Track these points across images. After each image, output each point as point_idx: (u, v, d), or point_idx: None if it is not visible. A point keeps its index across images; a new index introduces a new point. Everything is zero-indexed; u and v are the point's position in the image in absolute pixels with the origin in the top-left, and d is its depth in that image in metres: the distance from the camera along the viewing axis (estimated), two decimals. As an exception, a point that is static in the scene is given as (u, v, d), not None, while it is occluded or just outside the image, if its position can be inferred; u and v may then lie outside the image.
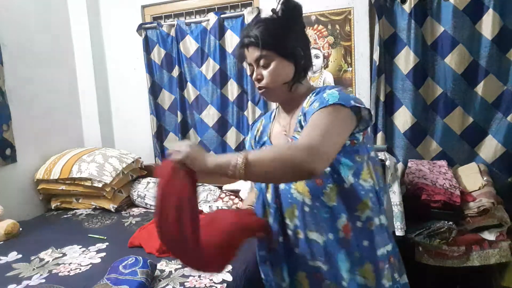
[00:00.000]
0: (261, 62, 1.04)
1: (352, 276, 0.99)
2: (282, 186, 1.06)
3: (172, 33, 2.88)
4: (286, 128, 1.09)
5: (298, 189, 1.01)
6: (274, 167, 0.85)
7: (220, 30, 2.76)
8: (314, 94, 1.02)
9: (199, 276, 1.61)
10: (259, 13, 2.66)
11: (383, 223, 1.02)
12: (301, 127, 1.00)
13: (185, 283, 1.55)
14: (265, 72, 1.05)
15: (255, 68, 1.06)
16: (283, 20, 1.05)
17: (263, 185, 1.12)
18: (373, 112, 2.49)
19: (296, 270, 1.07)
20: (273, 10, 1.08)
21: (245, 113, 2.82)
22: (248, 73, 1.09)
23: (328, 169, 0.96)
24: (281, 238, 1.08)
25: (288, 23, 1.05)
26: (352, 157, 0.97)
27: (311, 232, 1.01)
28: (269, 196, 1.10)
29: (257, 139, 1.20)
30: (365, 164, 0.99)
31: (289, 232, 1.06)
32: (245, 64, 1.42)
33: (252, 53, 1.05)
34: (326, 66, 2.62)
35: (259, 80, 1.06)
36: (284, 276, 1.10)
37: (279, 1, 1.05)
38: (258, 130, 1.21)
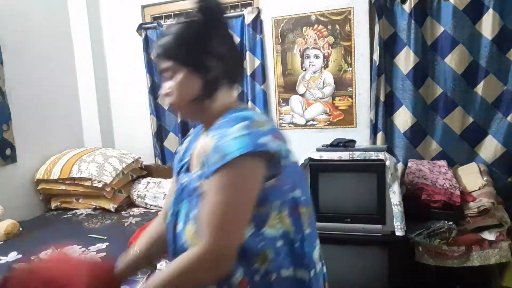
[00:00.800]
0: (167, 74, 0.89)
1: None
2: (179, 227, 0.89)
3: (172, 33, 2.88)
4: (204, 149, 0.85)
5: (189, 241, 0.85)
6: (183, 283, 0.78)
7: (220, 30, 2.76)
8: (219, 129, 0.81)
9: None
10: (259, 13, 2.66)
11: (300, 278, 0.84)
12: (203, 165, 0.82)
13: (185, 283, 1.55)
14: (171, 86, 0.89)
15: (164, 82, 0.91)
16: (197, 24, 0.89)
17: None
18: (373, 112, 2.49)
19: None
20: (187, 13, 0.95)
21: (245, 113, 2.81)
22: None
23: None
24: None
25: (204, 27, 0.88)
26: (256, 209, 0.79)
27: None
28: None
29: (179, 158, 1.01)
30: (273, 212, 0.81)
31: None
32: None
33: (158, 65, 0.91)
34: (326, 66, 2.61)
35: (167, 94, 0.90)
36: None
37: (196, 1, 0.88)
38: (181, 151, 1.03)
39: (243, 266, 0.81)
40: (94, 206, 2.59)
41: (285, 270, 0.82)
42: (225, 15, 0.95)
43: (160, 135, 3.07)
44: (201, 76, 0.87)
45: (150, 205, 2.62)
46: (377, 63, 2.42)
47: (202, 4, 0.87)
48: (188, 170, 0.94)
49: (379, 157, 2.01)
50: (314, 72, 2.65)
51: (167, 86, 0.89)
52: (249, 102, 2.74)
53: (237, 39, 2.73)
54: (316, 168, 2.10)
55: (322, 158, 2.11)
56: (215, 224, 0.74)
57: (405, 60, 2.41)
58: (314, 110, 2.69)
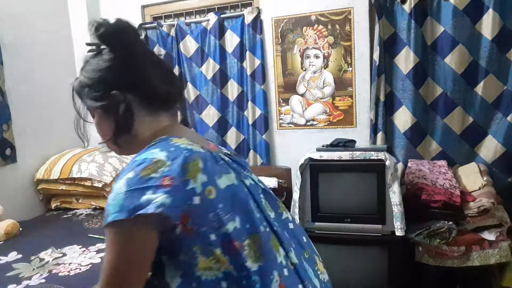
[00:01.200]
0: (89, 115, 0.87)
1: None
2: None
3: (172, 33, 2.89)
4: None
5: None
6: None
7: (220, 30, 2.76)
8: (121, 174, 0.73)
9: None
10: (259, 13, 2.66)
11: None
12: None
13: (185, 283, 1.55)
14: (95, 127, 0.87)
15: None
16: (104, 56, 0.83)
17: None
18: (373, 112, 2.49)
19: None
20: (88, 44, 0.86)
21: (245, 113, 2.82)
22: None
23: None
24: None
25: (109, 60, 0.82)
26: (172, 260, 0.73)
27: None
28: None
29: None
30: (198, 256, 0.71)
31: None
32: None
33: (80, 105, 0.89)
34: (326, 66, 2.62)
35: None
36: None
37: (92, 31, 0.83)
38: None
39: None
40: (94, 206, 2.58)
41: None
42: (133, 36, 0.86)
43: (160, 135, 3.07)
44: (112, 114, 0.81)
45: (150, 205, 2.62)
46: (377, 63, 2.42)
47: (101, 33, 0.81)
48: None
49: (379, 157, 2.02)
50: (314, 72, 2.65)
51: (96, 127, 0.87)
52: (249, 102, 2.75)
53: (237, 39, 2.73)
54: (316, 168, 2.10)
55: (322, 158, 2.12)
56: (102, 281, 0.70)
57: (405, 60, 2.41)
58: (314, 110, 2.69)
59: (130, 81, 0.82)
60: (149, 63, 0.86)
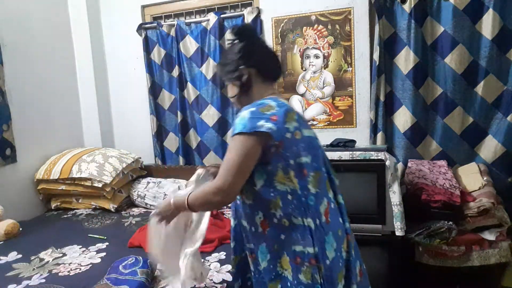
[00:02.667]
0: (226, 83, 1.34)
1: (269, 265, 1.17)
2: None
3: (172, 33, 2.89)
4: None
5: None
6: (203, 207, 1.25)
7: (220, 30, 2.76)
8: (242, 110, 1.18)
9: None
10: (259, 13, 2.66)
11: (307, 225, 1.13)
12: None
13: (185, 283, 1.55)
14: (228, 91, 1.34)
15: None
16: (236, 45, 1.27)
17: None
18: (373, 112, 2.49)
19: (242, 248, 1.34)
20: (228, 39, 1.34)
21: (245, 113, 2.81)
22: None
23: None
24: (232, 222, 1.38)
25: (238, 48, 1.26)
26: (262, 166, 1.14)
27: (243, 220, 1.25)
28: None
29: None
30: (280, 171, 1.14)
31: (236, 217, 1.34)
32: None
33: (219, 78, 1.36)
34: (326, 66, 2.62)
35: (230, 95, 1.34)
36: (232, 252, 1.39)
37: (230, 31, 1.31)
38: None
39: (262, 210, 1.17)
40: (94, 206, 2.59)
41: (295, 219, 1.13)
42: (255, 34, 1.37)
43: (160, 135, 3.07)
44: (238, 82, 1.26)
45: (150, 205, 2.62)
46: (377, 63, 2.42)
47: (235, 31, 1.28)
48: None
49: (379, 157, 2.02)
50: (314, 72, 2.65)
51: (228, 91, 1.34)
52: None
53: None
54: (316, 168, 2.10)
55: (322, 158, 2.11)
56: (224, 170, 1.12)
57: (405, 60, 2.41)
58: (314, 110, 2.69)
59: (252, 60, 1.26)
60: (264, 49, 1.32)
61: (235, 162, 1.10)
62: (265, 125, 1.09)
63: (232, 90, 1.30)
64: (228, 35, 1.33)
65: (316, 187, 1.16)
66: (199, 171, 1.42)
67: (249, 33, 1.31)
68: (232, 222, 1.36)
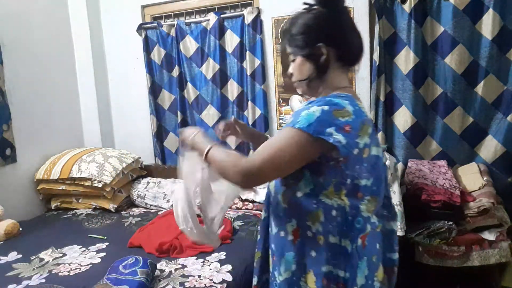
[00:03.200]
0: (290, 57, 1.08)
1: (293, 276, 1.03)
2: None
3: (172, 33, 2.89)
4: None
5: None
6: (218, 171, 1.00)
7: (220, 30, 2.76)
8: (310, 103, 0.98)
9: (199, 276, 1.61)
10: (259, 13, 2.66)
11: (344, 246, 0.98)
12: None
13: (185, 283, 1.55)
14: (291, 68, 1.08)
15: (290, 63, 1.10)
16: (315, 13, 1.02)
17: None
18: (373, 112, 2.49)
19: (265, 244, 1.18)
20: (306, 3, 1.06)
21: (245, 113, 2.82)
22: None
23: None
24: (262, 214, 1.20)
25: (319, 16, 1.01)
26: (313, 176, 0.98)
27: (273, 220, 1.09)
28: None
29: None
30: (331, 186, 0.97)
31: (267, 212, 1.15)
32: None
33: (283, 48, 1.10)
34: (326, 66, 2.61)
35: (290, 75, 1.09)
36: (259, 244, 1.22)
37: None
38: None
39: (296, 218, 1.01)
40: (94, 206, 2.59)
41: (332, 237, 0.98)
42: (343, 4, 1.04)
43: (160, 135, 3.07)
44: (313, 62, 1.02)
45: (150, 205, 2.62)
46: (377, 63, 2.42)
47: None
48: None
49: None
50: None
51: (290, 68, 1.08)
52: (249, 102, 2.75)
53: (237, 39, 2.74)
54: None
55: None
56: (261, 154, 0.93)
57: (405, 60, 2.41)
58: (314, 110, 2.69)
59: (334, 37, 1.01)
60: (350, 25, 1.04)
61: (277, 154, 0.92)
62: (334, 136, 0.90)
63: (300, 70, 1.04)
64: None
65: (369, 212, 1.00)
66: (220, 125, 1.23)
67: (340, 4, 1.03)
68: (263, 214, 1.18)
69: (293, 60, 1.06)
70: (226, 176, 0.97)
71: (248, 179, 0.93)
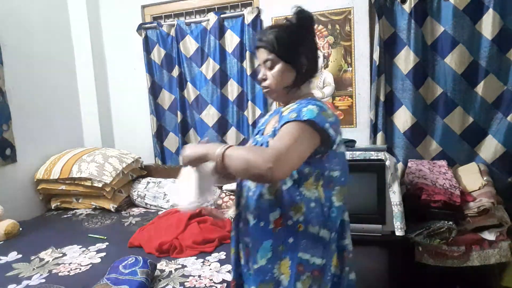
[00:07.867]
0: (268, 64, 1.13)
1: (268, 264, 1.08)
2: None
3: (172, 33, 2.89)
4: (276, 120, 1.15)
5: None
6: (241, 166, 0.97)
7: (220, 30, 2.76)
8: (297, 104, 1.09)
9: (199, 276, 1.61)
10: (259, 13, 2.66)
11: (322, 236, 1.08)
12: (274, 133, 1.09)
13: (185, 283, 1.55)
14: (269, 74, 1.14)
15: (262, 69, 1.16)
16: (295, 28, 1.12)
17: None
18: (373, 112, 2.49)
19: (238, 241, 1.21)
20: (287, 19, 1.15)
21: (245, 113, 2.82)
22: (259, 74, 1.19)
23: None
24: (234, 212, 1.24)
25: (299, 31, 1.12)
26: (302, 166, 1.03)
27: (249, 213, 1.13)
28: None
29: (259, 125, 1.29)
30: (312, 177, 1.06)
31: (240, 208, 1.19)
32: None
33: (261, 55, 1.15)
34: (326, 66, 2.62)
35: (264, 80, 1.16)
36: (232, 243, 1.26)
37: (293, 11, 1.12)
38: (261, 121, 1.30)
39: (281, 209, 1.07)
40: (94, 206, 2.59)
41: (311, 227, 1.07)
42: (314, 24, 1.16)
43: (160, 135, 3.07)
44: (295, 70, 1.12)
45: (150, 205, 2.63)
46: (377, 63, 2.42)
47: (299, 13, 1.11)
48: (262, 134, 1.21)
49: (379, 157, 2.02)
50: (314, 72, 2.64)
51: (265, 73, 1.15)
52: (249, 102, 2.75)
53: (237, 39, 2.74)
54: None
55: (322, 158, 2.11)
56: (285, 144, 0.96)
57: (405, 60, 2.41)
58: (314, 110, 2.69)
59: (310, 54, 1.14)
60: (315, 45, 1.19)
61: (297, 140, 0.97)
62: (330, 131, 1.03)
63: (282, 77, 1.12)
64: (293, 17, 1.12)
65: (339, 201, 1.11)
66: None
67: (313, 23, 1.16)
68: (235, 212, 1.23)
69: (271, 67, 1.13)
70: (252, 168, 0.93)
71: (279, 163, 0.92)
